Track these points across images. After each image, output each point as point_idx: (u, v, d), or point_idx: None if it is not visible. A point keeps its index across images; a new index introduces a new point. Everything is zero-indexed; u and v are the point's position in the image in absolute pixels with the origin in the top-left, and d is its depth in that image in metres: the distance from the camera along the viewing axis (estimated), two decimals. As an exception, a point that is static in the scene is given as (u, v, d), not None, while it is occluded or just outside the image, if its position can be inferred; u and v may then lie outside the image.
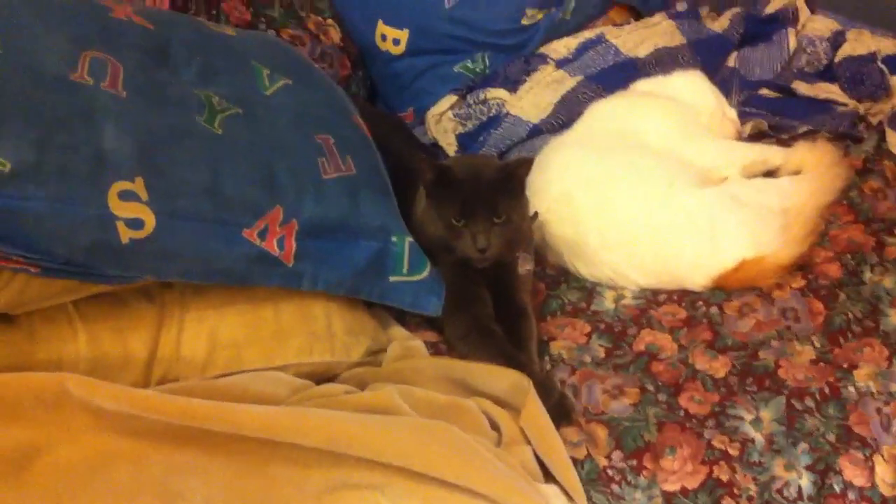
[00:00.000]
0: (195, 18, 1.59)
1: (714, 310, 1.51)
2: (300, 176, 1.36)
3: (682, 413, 1.32)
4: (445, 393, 1.27)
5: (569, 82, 1.92)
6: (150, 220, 1.18)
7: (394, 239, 1.42)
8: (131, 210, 1.17)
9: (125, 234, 1.16)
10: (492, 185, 1.42)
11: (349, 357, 1.37)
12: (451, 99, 1.99)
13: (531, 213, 1.55)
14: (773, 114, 1.93)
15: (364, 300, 1.43)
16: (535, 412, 1.23)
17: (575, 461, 1.24)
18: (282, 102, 1.44)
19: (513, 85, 1.96)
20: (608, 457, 1.26)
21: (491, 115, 1.93)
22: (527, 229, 1.53)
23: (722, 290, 1.55)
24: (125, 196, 1.17)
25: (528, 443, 1.22)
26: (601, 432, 1.30)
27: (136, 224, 1.17)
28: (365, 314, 1.45)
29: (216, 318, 1.29)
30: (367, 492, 1.09)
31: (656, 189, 1.59)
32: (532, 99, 1.91)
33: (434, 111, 1.98)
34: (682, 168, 1.64)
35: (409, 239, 1.43)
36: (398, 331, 1.47)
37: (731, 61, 2.07)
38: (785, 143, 1.86)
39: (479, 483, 1.08)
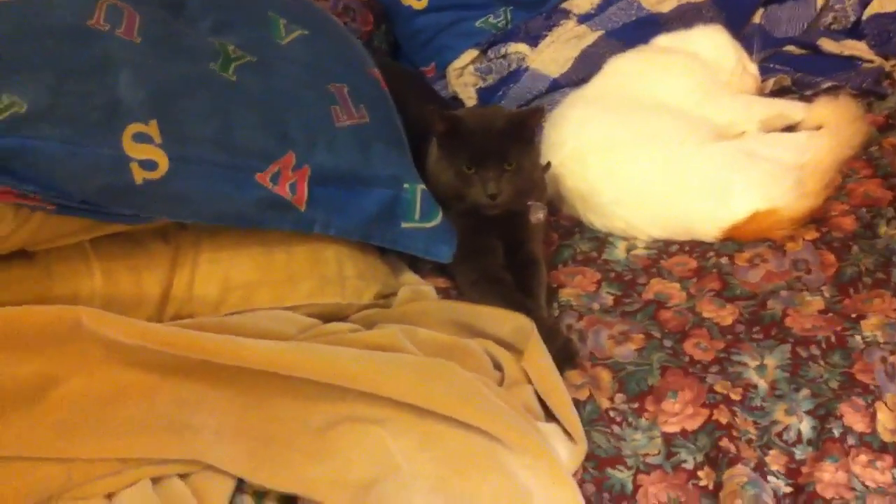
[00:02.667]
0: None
1: (724, 260, 1.52)
2: (313, 123, 1.38)
3: (686, 359, 1.33)
4: (452, 334, 1.30)
5: (589, 37, 1.92)
6: (163, 163, 1.22)
7: (406, 186, 1.44)
8: (145, 152, 1.20)
9: (139, 175, 1.20)
10: (502, 132, 1.43)
11: (360, 300, 1.40)
12: (473, 53, 2.00)
13: (544, 163, 1.57)
14: (796, 70, 1.91)
15: (376, 246, 1.46)
16: (538, 353, 1.25)
17: (577, 402, 1.26)
18: (297, 52, 1.47)
19: (534, 40, 1.97)
20: (611, 399, 1.28)
21: (511, 69, 1.94)
22: (538, 178, 1.55)
23: (734, 241, 1.55)
24: (139, 138, 1.20)
25: (531, 383, 1.24)
26: (605, 375, 1.32)
27: (149, 165, 1.21)
28: (377, 259, 1.48)
29: (229, 260, 1.33)
30: (370, 425, 1.13)
31: (669, 148, 1.59)
32: (552, 54, 1.91)
33: (455, 65, 1.99)
34: (697, 124, 1.64)
35: (422, 186, 1.46)
36: (410, 276, 1.50)
37: (758, 18, 2.05)
38: (808, 100, 1.83)
39: (478, 419, 1.11)
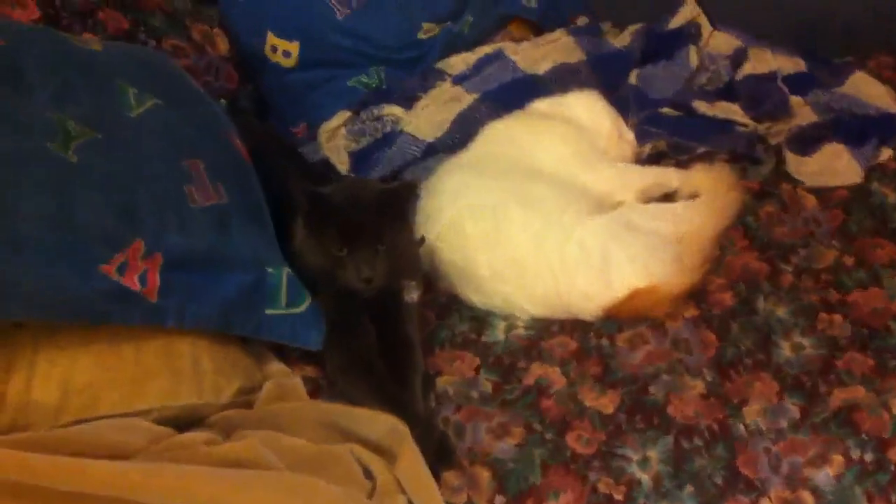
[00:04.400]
0: (57, 33, 1.47)
1: (605, 341, 1.47)
2: (164, 205, 1.28)
3: (568, 454, 1.27)
4: (321, 438, 1.21)
5: (466, 99, 1.85)
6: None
7: (270, 270, 1.35)
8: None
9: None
10: (374, 210, 1.35)
11: (219, 398, 1.28)
12: (345, 115, 1.90)
13: (418, 237, 1.49)
14: (672, 133, 1.89)
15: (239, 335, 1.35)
16: (412, 459, 1.17)
17: (453, 509, 1.19)
18: (149, 125, 1.35)
19: (408, 101, 1.89)
20: (490, 501, 1.21)
21: (385, 131, 1.85)
22: (414, 255, 1.47)
23: (614, 320, 1.50)
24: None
25: (404, 492, 1.15)
26: (484, 475, 1.25)
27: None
28: (239, 350, 1.37)
29: (70, 360, 1.20)
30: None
31: (548, 218, 1.54)
32: (428, 116, 1.84)
33: (326, 127, 1.89)
34: (575, 195, 1.60)
35: (287, 270, 1.37)
36: (276, 367, 1.39)
37: (633, 78, 2.02)
38: (684, 165, 1.81)
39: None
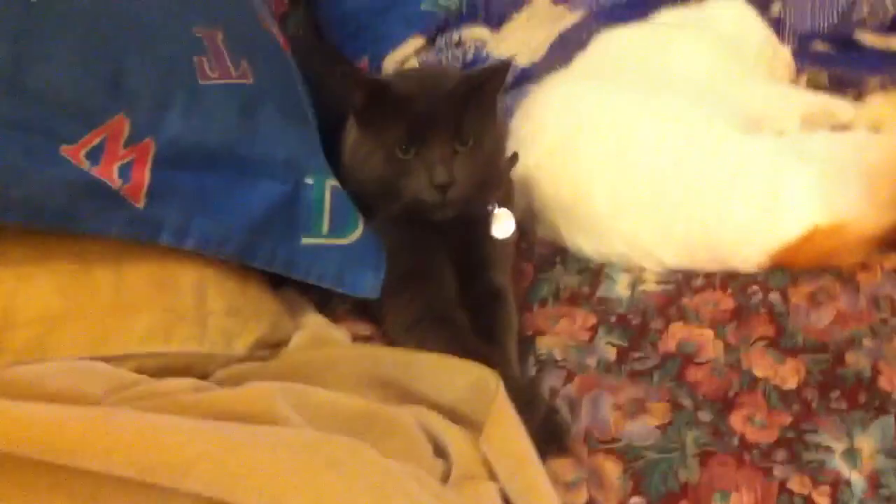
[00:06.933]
0: None
1: (775, 296, 1.05)
2: (163, 75, 0.91)
3: (735, 441, 0.86)
4: (368, 398, 0.81)
5: (569, 18, 1.48)
6: None
7: (309, 180, 0.97)
8: None
9: None
10: (452, 99, 0.97)
11: (229, 348, 0.90)
12: (418, 42, 1.54)
13: (510, 153, 1.11)
14: (833, 66, 1.49)
15: (263, 271, 0.97)
16: (507, 428, 0.77)
17: (570, 511, 0.78)
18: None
19: (496, 22, 1.53)
20: (622, 504, 0.80)
21: (468, 59, 1.49)
22: (504, 170, 1.09)
23: (785, 270, 1.09)
24: None
25: (494, 478, 0.75)
26: (612, 468, 0.84)
27: None
28: (263, 290, 0.99)
29: (18, 280, 0.83)
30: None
31: (691, 133, 1.14)
32: (521, 37, 1.47)
33: (395, 57, 1.53)
34: (724, 111, 1.19)
35: (333, 183, 0.99)
36: (313, 318, 1.01)
37: (776, 9, 1.63)
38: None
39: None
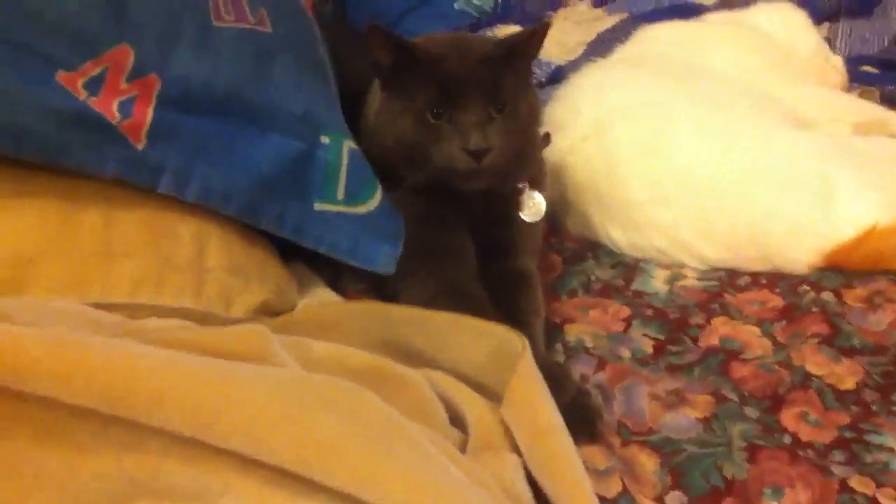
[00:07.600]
0: None
1: (828, 296, 0.96)
2: (175, 9, 0.84)
3: (786, 439, 0.76)
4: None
5: (608, 21, 1.41)
6: None
7: (325, 139, 0.89)
8: None
9: None
10: (488, 61, 0.89)
11: (227, 308, 0.82)
12: (450, 41, 1.48)
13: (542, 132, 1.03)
14: (887, 83, 1.41)
15: (271, 235, 0.89)
16: (531, 393, 0.67)
17: (601, 500, 0.68)
18: None
19: (532, 23, 1.46)
20: (659, 500, 0.70)
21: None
22: (537, 144, 1.00)
23: (837, 272, 1.00)
24: None
25: (516, 450, 0.65)
26: (648, 461, 0.74)
27: None
28: (270, 254, 0.91)
29: (-1, 213, 0.76)
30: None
31: (741, 120, 1.05)
32: (557, 37, 1.40)
33: (425, 55, 1.47)
34: (772, 104, 1.11)
35: (350, 144, 0.91)
36: (323, 292, 0.92)
37: (824, 31, 1.57)
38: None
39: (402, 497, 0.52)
